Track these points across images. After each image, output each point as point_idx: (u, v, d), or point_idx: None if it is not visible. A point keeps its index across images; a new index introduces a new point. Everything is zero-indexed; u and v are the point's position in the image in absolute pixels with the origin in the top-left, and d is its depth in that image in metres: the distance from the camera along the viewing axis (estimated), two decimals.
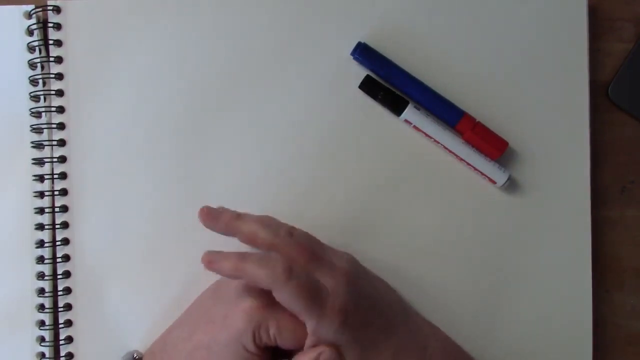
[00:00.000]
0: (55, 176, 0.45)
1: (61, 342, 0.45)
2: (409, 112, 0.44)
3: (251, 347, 0.37)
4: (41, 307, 0.45)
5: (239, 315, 0.38)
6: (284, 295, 0.36)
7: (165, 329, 0.43)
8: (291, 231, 0.40)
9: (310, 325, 0.37)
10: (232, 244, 0.44)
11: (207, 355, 0.38)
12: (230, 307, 0.39)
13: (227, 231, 0.40)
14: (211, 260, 0.38)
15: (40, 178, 0.45)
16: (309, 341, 0.37)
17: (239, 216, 0.40)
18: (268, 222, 0.40)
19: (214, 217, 0.40)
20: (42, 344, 0.45)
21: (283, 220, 0.44)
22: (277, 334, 0.37)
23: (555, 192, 0.45)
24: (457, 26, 0.45)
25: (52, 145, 0.45)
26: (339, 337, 0.37)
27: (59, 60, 0.45)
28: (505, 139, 0.44)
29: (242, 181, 0.45)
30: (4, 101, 0.45)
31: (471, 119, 0.44)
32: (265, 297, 0.38)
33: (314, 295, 0.37)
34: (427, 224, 0.45)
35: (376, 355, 0.38)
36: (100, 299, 0.45)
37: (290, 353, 0.38)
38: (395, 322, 0.40)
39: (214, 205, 0.41)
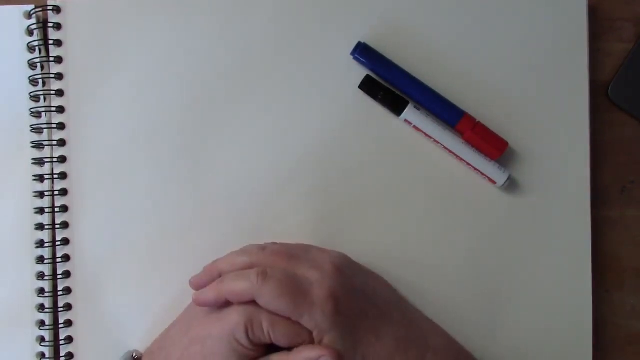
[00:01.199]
0: (55, 176, 0.45)
1: (61, 342, 0.45)
2: (409, 112, 0.44)
3: (244, 341, 0.37)
4: (41, 307, 0.45)
5: (233, 310, 0.38)
6: (265, 298, 0.37)
7: (165, 328, 0.43)
8: (264, 246, 0.41)
9: (304, 321, 0.37)
10: (231, 244, 0.44)
11: (201, 349, 0.38)
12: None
13: (213, 279, 0.41)
14: (197, 298, 0.40)
15: (40, 178, 0.45)
16: (314, 336, 0.38)
17: (215, 261, 0.42)
18: (242, 249, 0.42)
19: (199, 282, 0.42)
20: (42, 344, 0.45)
21: (283, 219, 0.45)
22: (270, 329, 0.37)
23: (555, 192, 0.45)
24: (457, 26, 0.45)
25: (52, 145, 0.45)
26: (336, 325, 0.37)
27: (59, 60, 0.45)
28: (505, 139, 0.44)
29: (241, 182, 0.45)
30: (4, 101, 0.45)
31: (471, 119, 0.44)
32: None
33: (294, 289, 0.37)
34: (427, 223, 0.45)
35: (377, 342, 0.38)
36: (100, 299, 0.45)
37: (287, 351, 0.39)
38: (393, 313, 0.40)
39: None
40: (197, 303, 0.40)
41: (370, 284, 0.42)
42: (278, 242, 0.43)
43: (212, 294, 0.39)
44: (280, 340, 0.38)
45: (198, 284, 0.41)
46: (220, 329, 0.38)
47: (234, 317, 0.38)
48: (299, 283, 0.38)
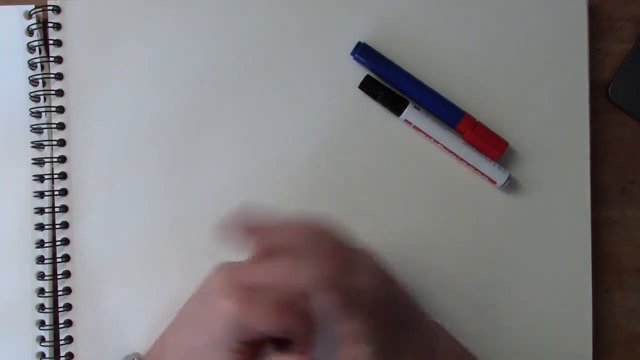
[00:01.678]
0: (55, 176, 0.45)
1: (61, 342, 0.45)
2: (409, 112, 0.44)
3: (236, 346, 0.37)
4: (41, 307, 0.45)
5: (220, 318, 0.37)
6: (322, 303, 0.35)
7: (162, 331, 0.43)
8: (317, 242, 0.37)
9: (346, 327, 0.36)
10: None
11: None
12: (212, 308, 0.38)
13: (251, 236, 0.38)
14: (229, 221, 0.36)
15: (40, 178, 0.45)
16: (346, 342, 0.36)
17: (262, 221, 0.38)
18: (297, 229, 0.38)
19: (238, 223, 0.37)
20: (42, 344, 0.45)
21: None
22: (260, 326, 0.36)
23: (555, 192, 0.45)
24: (456, 26, 0.45)
25: (52, 145, 0.45)
26: (373, 336, 0.36)
27: (59, 60, 0.45)
28: (505, 139, 0.44)
29: (242, 181, 0.45)
30: (4, 101, 0.45)
31: (471, 119, 0.44)
32: (245, 293, 0.37)
33: (350, 300, 0.36)
34: (427, 224, 0.45)
35: (403, 354, 0.38)
36: (100, 299, 0.45)
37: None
38: (412, 321, 0.40)
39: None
40: (226, 225, 0.36)
41: (400, 289, 0.41)
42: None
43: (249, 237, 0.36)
44: (273, 333, 0.37)
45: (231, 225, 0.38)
46: (211, 339, 0.37)
47: (224, 326, 0.37)
48: (352, 293, 0.36)
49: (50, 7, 0.45)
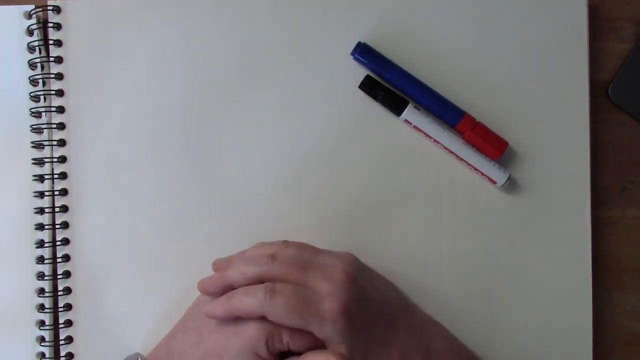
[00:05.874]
0: (55, 176, 0.45)
1: (61, 342, 0.45)
2: (409, 112, 0.44)
3: (264, 354, 0.38)
4: (41, 307, 0.45)
5: (251, 326, 0.38)
6: (274, 315, 0.37)
7: (167, 331, 0.43)
8: (275, 254, 0.40)
9: (316, 333, 0.37)
10: (230, 245, 0.44)
11: None
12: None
13: (224, 289, 0.40)
14: (207, 312, 0.39)
15: (40, 178, 0.45)
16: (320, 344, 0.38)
17: (226, 262, 0.42)
18: (252, 256, 0.41)
19: (208, 289, 0.41)
20: (42, 344, 0.45)
21: (284, 219, 0.44)
22: (290, 340, 0.38)
23: (555, 192, 0.45)
24: (457, 26, 0.45)
25: (52, 145, 0.45)
26: (346, 338, 0.37)
27: (59, 60, 0.45)
28: (505, 139, 0.44)
29: (241, 181, 0.45)
30: (4, 101, 0.45)
31: (471, 119, 0.44)
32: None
33: (304, 305, 0.37)
34: (427, 224, 0.45)
35: (384, 353, 0.38)
36: (100, 299, 0.45)
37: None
38: (400, 320, 0.40)
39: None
40: (208, 316, 0.39)
41: (379, 288, 0.41)
42: (288, 240, 0.42)
43: (222, 309, 0.39)
44: (299, 348, 0.38)
45: (207, 290, 0.41)
46: (239, 345, 0.38)
47: (254, 333, 0.38)
48: (308, 298, 0.37)
49: (50, 7, 0.45)
